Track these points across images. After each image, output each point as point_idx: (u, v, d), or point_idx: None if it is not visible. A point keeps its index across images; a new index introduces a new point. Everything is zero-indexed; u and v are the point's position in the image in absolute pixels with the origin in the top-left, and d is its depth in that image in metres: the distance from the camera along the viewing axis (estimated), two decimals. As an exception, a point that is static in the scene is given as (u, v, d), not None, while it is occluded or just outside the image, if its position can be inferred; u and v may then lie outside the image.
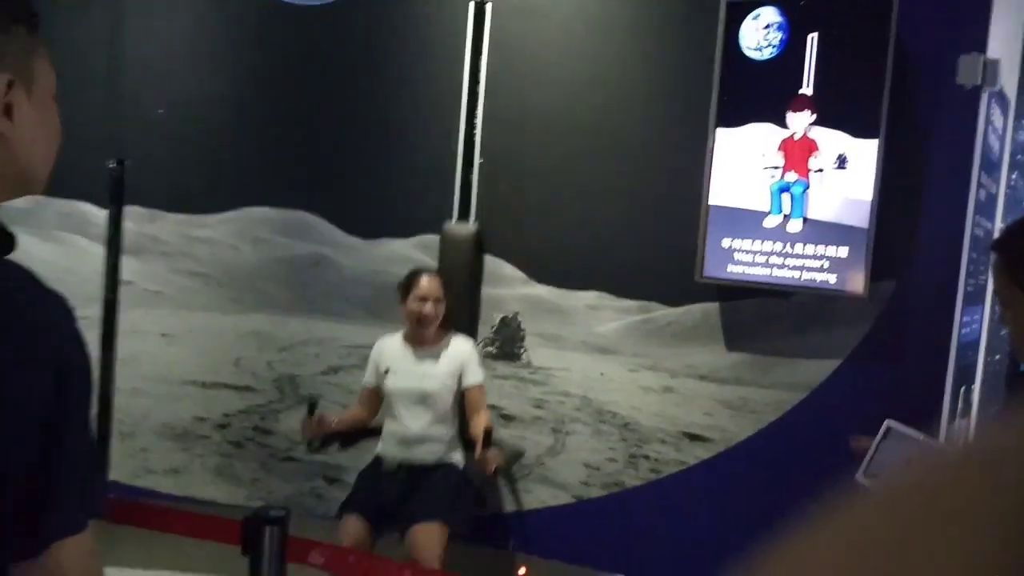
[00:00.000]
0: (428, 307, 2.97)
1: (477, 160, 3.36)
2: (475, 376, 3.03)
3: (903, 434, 1.74)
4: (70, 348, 0.87)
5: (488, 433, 2.83)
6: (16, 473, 0.81)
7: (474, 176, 3.37)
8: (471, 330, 3.31)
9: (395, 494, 2.94)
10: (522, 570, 3.33)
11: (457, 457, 3.07)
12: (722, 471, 3.11)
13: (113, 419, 3.56)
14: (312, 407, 2.95)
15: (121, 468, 3.55)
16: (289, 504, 3.56)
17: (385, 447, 3.05)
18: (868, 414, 2.89)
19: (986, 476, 0.24)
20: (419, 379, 3.00)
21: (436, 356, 3.02)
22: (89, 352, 0.90)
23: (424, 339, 3.04)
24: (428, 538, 2.82)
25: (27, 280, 0.87)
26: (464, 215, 3.36)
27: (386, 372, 3.04)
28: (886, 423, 1.75)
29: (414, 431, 2.99)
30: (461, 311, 3.26)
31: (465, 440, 3.08)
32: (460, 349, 3.05)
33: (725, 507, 3.10)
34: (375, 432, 3.14)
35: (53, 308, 0.87)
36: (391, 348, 3.07)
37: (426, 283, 2.99)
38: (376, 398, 3.13)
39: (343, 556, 1.86)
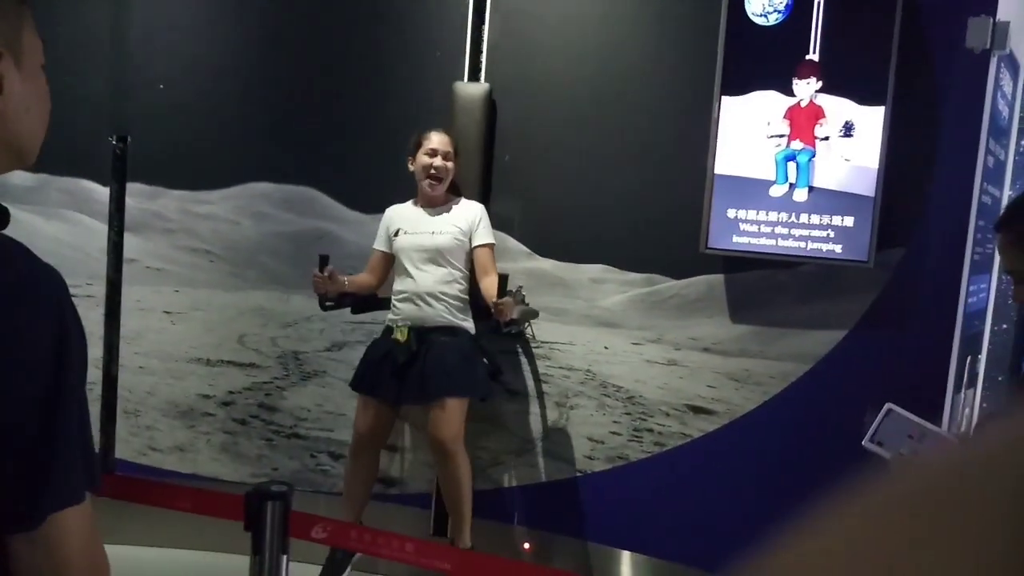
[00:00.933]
0: (438, 160, 2.94)
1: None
2: (484, 237, 3.00)
3: (904, 416, 1.75)
4: (67, 321, 0.86)
5: (503, 280, 2.79)
6: (15, 444, 0.80)
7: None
8: (474, 306, 3.29)
9: (407, 359, 2.89)
10: (527, 544, 3.34)
11: (468, 323, 3.02)
12: (727, 444, 3.09)
13: (118, 397, 3.57)
14: (324, 261, 2.89)
15: (126, 446, 3.56)
16: (294, 480, 3.58)
17: (394, 312, 3.01)
18: (874, 384, 2.88)
19: (989, 475, 0.23)
20: (429, 235, 2.97)
21: (446, 213, 3.00)
22: (82, 325, 0.89)
23: (434, 198, 3.00)
24: (446, 418, 2.82)
25: (22, 253, 0.87)
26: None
27: (396, 233, 3.02)
28: (886, 406, 1.75)
29: (425, 287, 2.95)
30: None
31: (476, 307, 3.03)
32: (470, 209, 3.03)
33: (730, 480, 3.09)
34: (387, 304, 3.09)
35: (49, 281, 0.86)
36: (401, 211, 3.05)
37: (436, 138, 2.96)
38: (386, 263, 3.09)
39: (346, 531, 1.86)
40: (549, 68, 3.27)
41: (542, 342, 3.36)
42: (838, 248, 2.80)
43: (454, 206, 3.05)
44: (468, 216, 3.01)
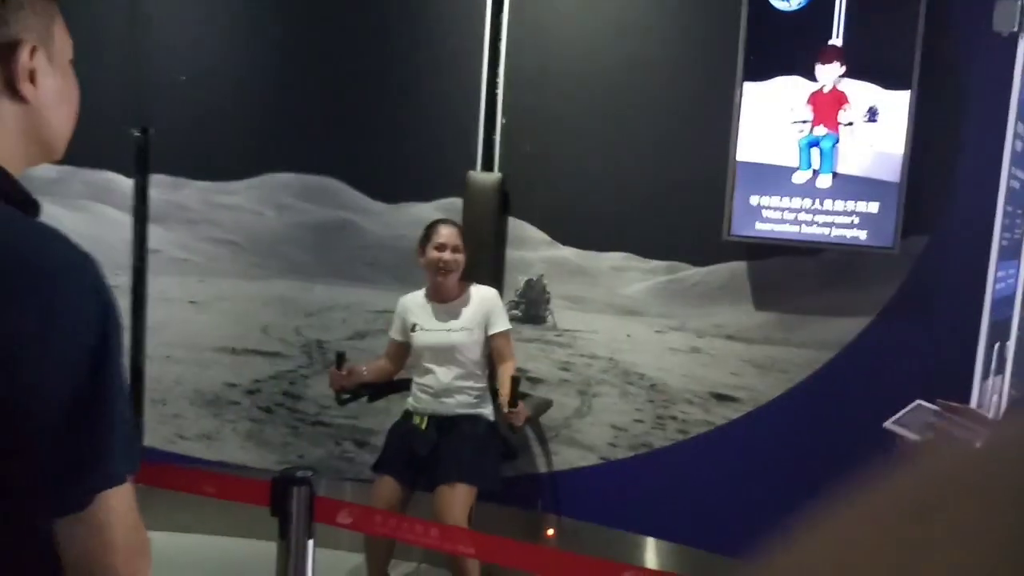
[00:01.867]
0: (447, 255, 2.95)
1: (500, 120, 3.33)
2: (500, 324, 3.01)
3: (931, 408, 1.76)
4: (108, 304, 0.88)
5: (516, 383, 2.82)
6: (64, 426, 0.82)
7: (496, 136, 3.34)
8: (493, 389, 3.28)
9: (425, 449, 2.94)
10: (550, 531, 3.36)
11: (487, 410, 3.06)
12: (750, 431, 3.09)
13: (145, 386, 3.62)
14: (340, 358, 2.95)
15: (154, 434, 3.61)
16: (320, 467, 3.61)
17: (415, 400, 3.06)
18: (900, 372, 2.87)
19: (997, 476, 0.23)
20: (445, 333, 2.99)
21: (460, 308, 3.01)
22: (119, 309, 0.90)
23: (446, 292, 3.02)
24: (453, 499, 2.83)
25: (60, 239, 0.89)
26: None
27: (413, 328, 3.04)
28: (915, 402, 1.77)
29: (443, 384, 2.99)
30: (484, 273, 3.25)
31: (495, 392, 3.08)
32: (484, 297, 3.03)
33: (753, 468, 3.09)
34: (404, 386, 3.15)
35: (88, 265, 0.88)
36: (415, 303, 3.06)
37: (444, 231, 2.97)
38: (403, 351, 3.13)
39: (371, 516, 1.88)
40: (568, 55, 3.26)
41: (564, 330, 3.36)
42: (863, 234, 2.77)
43: (467, 300, 3.03)
44: (483, 307, 3.02)
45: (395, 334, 3.13)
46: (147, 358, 3.60)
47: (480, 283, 3.11)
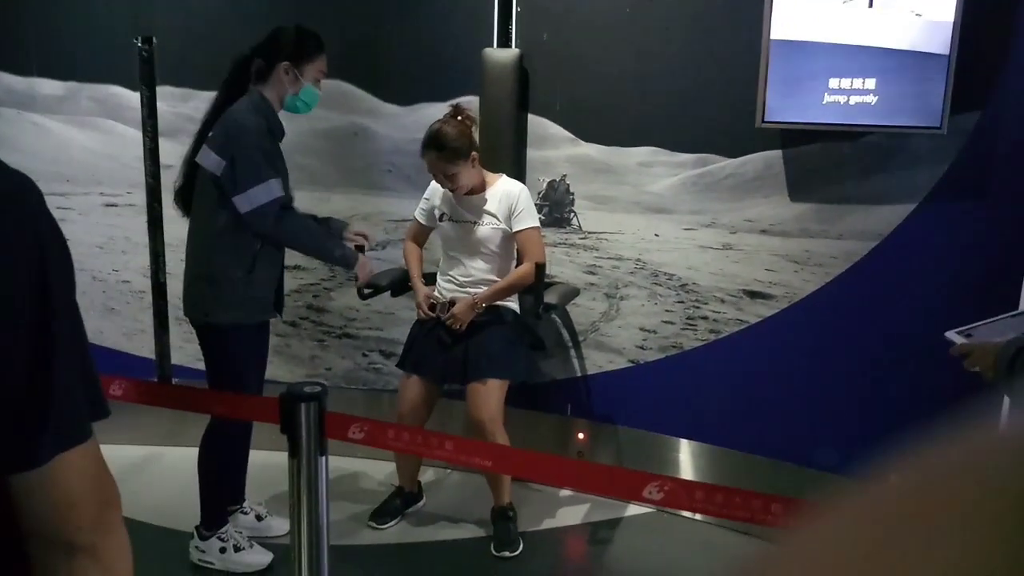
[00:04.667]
0: (442, 180, 2.85)
1: (515, 8, 3.13)
2: (523, 221, 2.90)
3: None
4: (46, 238, 0.77)
5: (500, 293, 2.84)
6: (10, 383, 0.73)
7: (512, 27, 3.14)
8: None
9: (451, 344, 2.89)
10: (580, 435, 3.32)
11: (512, 303, 2.98)
12: (786, 329, 2.97)
13: (168, 305, 3.60)
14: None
15: (182, 353, 3.61)
16: (348, 380, 3.60)
17: (441, 288, 3.00)
18: (946, 262, 2.70)
19: (991, 477, 0.23)
20: (470, 226, 2.92)
21: (485, 201, 2.91)
22: (63, 235, 0.80)
23: (467, 191, 2.91)
24: (487, 395, 2.82)
25: None
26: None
27: (441, 217, 2.97)
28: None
29: (469, 276, 2.94)
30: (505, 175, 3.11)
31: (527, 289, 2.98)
32: (509, 192, 2.91)
33: (789, 366, 2.99)
34: (427, 281, 3.07)
35: (28, 195, 0.76)
36: (443, 192, 2.96)
37: (428, 163, 2.84)
38: (426, 233, 3.07)
39: (383, 431, 1.83)
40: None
41: (588, 232, 3.24)
42: (907, 114, 2.57)
43: (491, 193, 2.91)
44: (507, 200, 2.89)
45: (421, 217, 3.06)
46: (168, 275, 3.57)
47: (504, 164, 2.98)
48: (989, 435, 0.25)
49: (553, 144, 3.20)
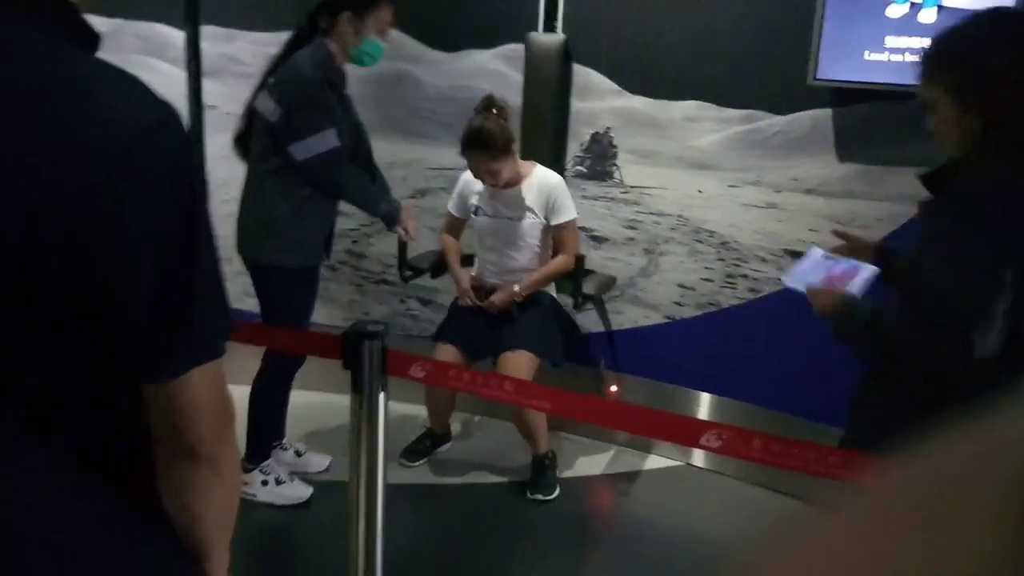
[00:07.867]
0: (484, 176, 2.84)
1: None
2: (561, 214, 2.91)
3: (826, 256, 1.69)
4: (197, 166, 0.81)
5: (555, 274, 2.91)
6: (158, 298, 0.76)
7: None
8: (559, 149, 3.16)
9: (488, 322, 2.97)
10: (613, 387, 3.35)
11: (549, 288, 3.04)
12: (826, 289, 2.96)
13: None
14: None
15: (238, 303, 3.65)
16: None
17: (480, 274, 3.07)
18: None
19: (994, 475, 0.23)
20: (507, 221, 2.94)
21: (521, 194, 2.91)
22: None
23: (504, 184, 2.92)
24: (518, 364, 2.86)
25: (140, 89, 0.78)
26: (551, 20, 3.12)
27: (476, 211, 2.99)
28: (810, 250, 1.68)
29: (507, 266, 2.99)
30: (548, 130, 3.10)
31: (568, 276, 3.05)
32: (546, 183, 2.91)
33: (827, 329, 2.98)
34: (466, 261, 3.13)
35: (172, 122, 0.78)
36: (477, 184, 2.96)
37: (473, 162, 2.82)
38: (461, 225, 3.10)
39: (444, 370, 1.86)
40: None
41: (630, 187, 3.23)
42: (965, 76, 2.52)
43: (527, 185, 2.89)
44: (544, 191, 2.88)
45: (454, 209, 3.07)
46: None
47: (544, 135, 2.98)
48: (997, 431, 0.24)
49: (598, 95, 3.17)
